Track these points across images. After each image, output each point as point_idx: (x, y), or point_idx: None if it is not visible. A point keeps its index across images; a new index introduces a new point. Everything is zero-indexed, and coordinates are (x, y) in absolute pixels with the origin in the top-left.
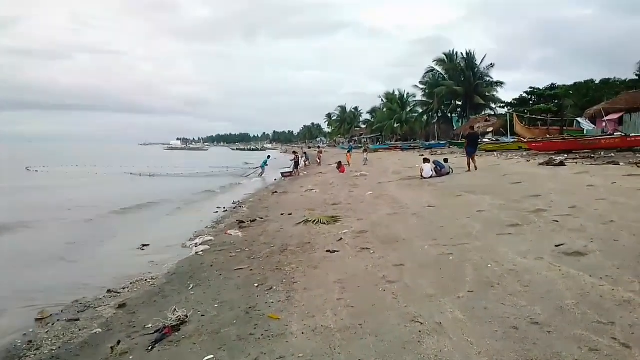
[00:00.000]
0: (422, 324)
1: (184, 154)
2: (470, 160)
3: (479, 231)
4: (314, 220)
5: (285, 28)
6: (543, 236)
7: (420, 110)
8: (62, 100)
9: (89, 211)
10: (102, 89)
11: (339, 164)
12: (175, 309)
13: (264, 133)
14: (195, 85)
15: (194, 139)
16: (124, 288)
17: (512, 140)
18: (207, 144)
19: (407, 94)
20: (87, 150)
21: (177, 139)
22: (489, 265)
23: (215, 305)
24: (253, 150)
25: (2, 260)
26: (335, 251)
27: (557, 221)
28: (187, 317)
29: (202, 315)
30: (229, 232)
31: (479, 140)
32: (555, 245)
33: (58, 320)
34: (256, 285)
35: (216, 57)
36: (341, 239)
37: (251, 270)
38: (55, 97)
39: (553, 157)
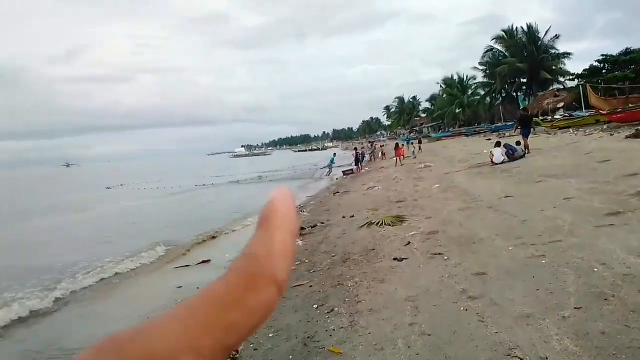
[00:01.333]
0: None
1: (249, 160)
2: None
3: (571, 224)
4: (378, 222)
5: (334, 26)
6: None
7: (483, 93)
8: (131, 120)
9: (153, 232)
10: (167, 105)
11: (396, 146)
12: None
13: (324, 132)
14: (253, 92)
15: (257, 144)
16: None
17: (588, 114)
18: (270, 148)
19: (467, 76)
20: (160, 165)
21: (242, 146)
22: (595, 270)
23: (270, 335)
24: (315, 150)
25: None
26: (404, 259)
27: None
28: (237, 352)
29: (254, 349)
30: None
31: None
32: None
33: None
34: (316, 306)
35: (270, 62)
36: (409, 242)
37: (311, 286)
38: (124, 118)
39: None
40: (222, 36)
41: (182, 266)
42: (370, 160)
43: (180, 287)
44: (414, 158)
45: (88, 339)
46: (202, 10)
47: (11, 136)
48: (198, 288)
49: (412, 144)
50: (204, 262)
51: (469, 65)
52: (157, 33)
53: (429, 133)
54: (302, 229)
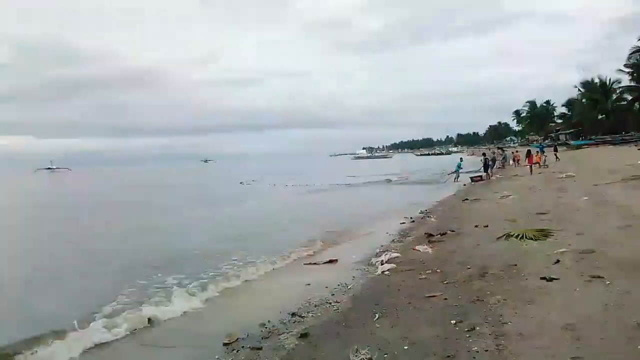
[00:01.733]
0: None
1: (371, 162)
2: None
3: None
4: (518, 235)
5: (455, 27)
6: None
7: (630, 97)
8: (259, 121)
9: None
10: (292, 107)
11: (528, 153)
12: (357, 349)
13: (448, 136)
14: (373, 95)
15: (378, 147)
16: (308, 312)
17: None
18: (391, 151)
19: (610, 80)
20: (287, 164)
21: (363, 149)
22: None
23: (405, 347)
24: (438, 154)
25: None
26: (553, 279)
27: None
28: (371, 359)
29: None
30: (416, 247)
31: None
32: None
33: (243, 347)
34: (453, 322)
35: (391, 65)
36: (558, 260)
37: (445, 299)
38: (253, 118)
39: None
40: (344, 40)
41: (311, 263)
42: (502, 167)
43: (309, 284)
44: (546, 167)
45: (224, 329)
46: (325, 15)
47: (164, 133)
48: (326, 287)
49: (545, 152)
50: (331, 261)
51: (609, 68)
52: (283, 38)
53: (566, 140)
54: (431, 235)
